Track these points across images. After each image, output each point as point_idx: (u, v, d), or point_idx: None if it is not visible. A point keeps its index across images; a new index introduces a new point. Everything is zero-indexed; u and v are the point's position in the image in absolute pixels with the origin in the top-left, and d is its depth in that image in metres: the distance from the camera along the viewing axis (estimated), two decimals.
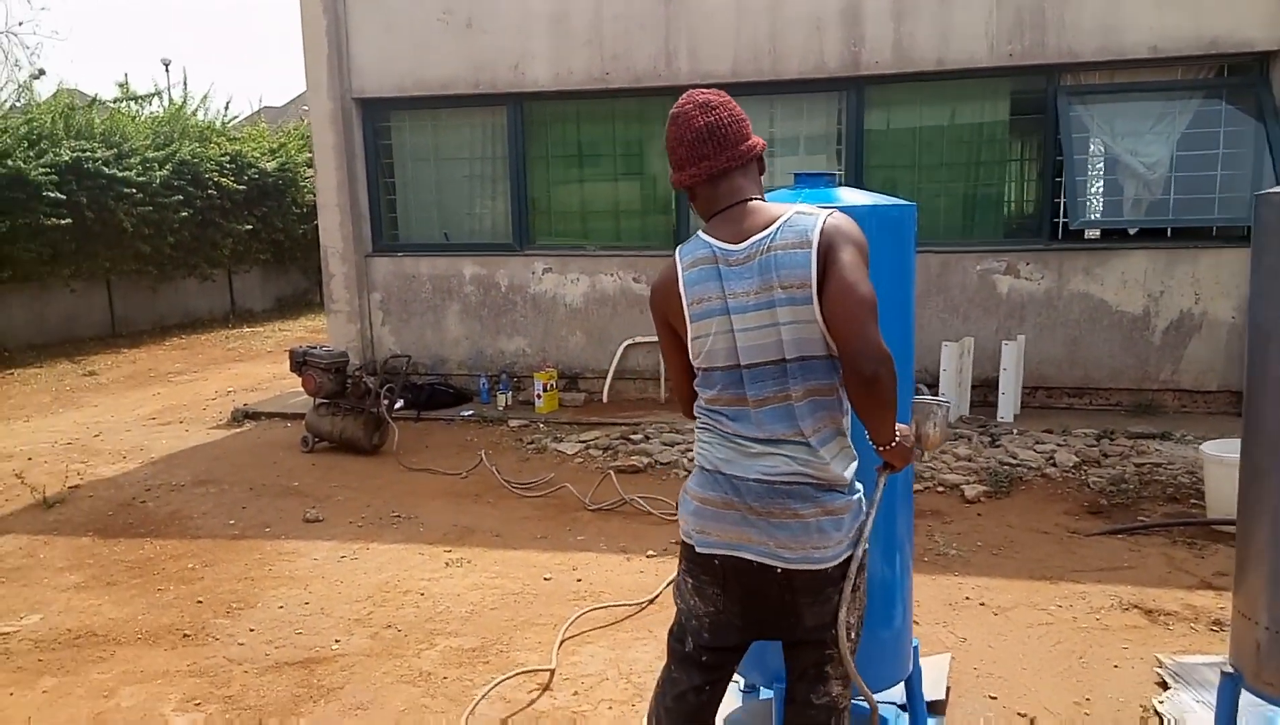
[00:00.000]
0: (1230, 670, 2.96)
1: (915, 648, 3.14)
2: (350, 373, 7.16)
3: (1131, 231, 7.69)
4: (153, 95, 16.16)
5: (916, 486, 5.56)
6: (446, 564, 4.81)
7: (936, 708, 3.29)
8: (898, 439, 2.31)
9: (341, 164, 8.63)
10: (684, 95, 2.39)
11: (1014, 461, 6.17)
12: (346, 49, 8.51)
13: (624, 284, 8.33)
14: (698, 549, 2.34)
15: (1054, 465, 6.14)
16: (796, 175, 2.93)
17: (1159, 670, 3.54)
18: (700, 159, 2.33)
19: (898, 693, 3.19)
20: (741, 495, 2.25)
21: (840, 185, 2.96)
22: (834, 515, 2.23)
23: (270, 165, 16.67)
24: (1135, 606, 4.13)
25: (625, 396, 8.45)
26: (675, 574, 2.51)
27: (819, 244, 2.17)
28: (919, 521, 4.82)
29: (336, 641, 3.97)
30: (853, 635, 2.33)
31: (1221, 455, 5.11)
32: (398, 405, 7.57)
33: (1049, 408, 7.63)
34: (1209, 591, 4.27)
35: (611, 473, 5.91)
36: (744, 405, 2.26)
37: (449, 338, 8.79)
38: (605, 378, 8.40)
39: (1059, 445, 6.50)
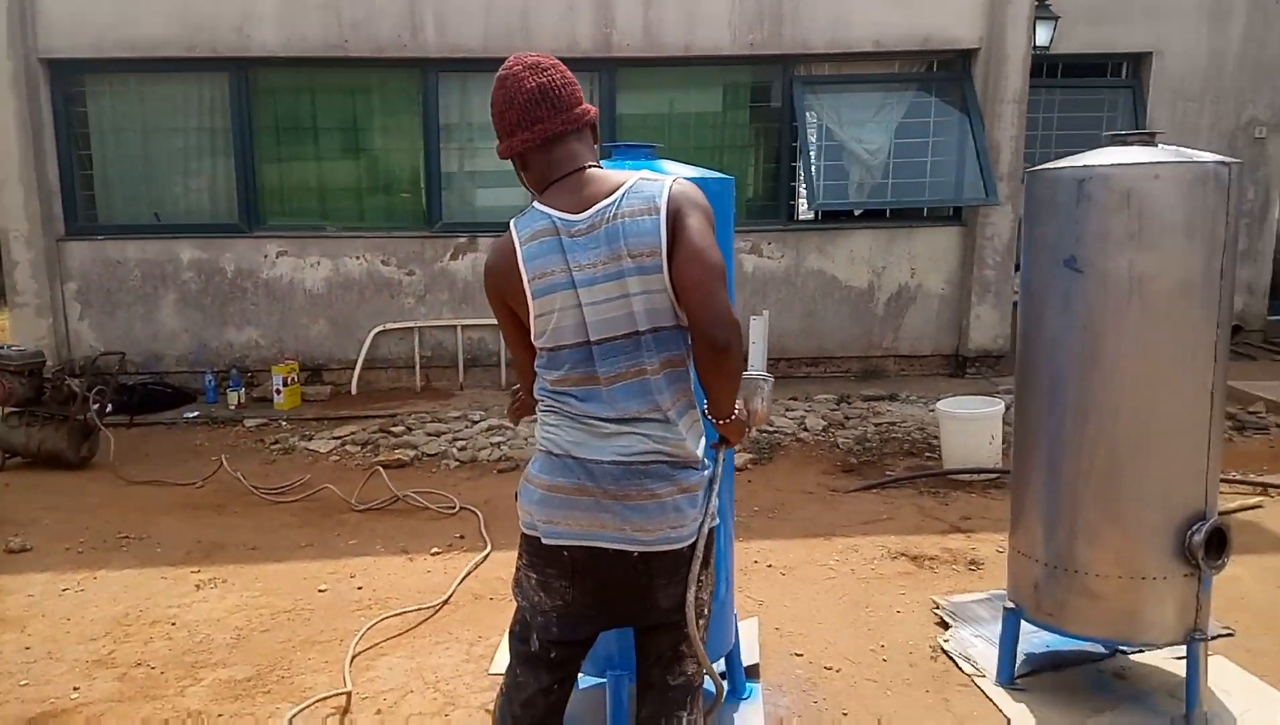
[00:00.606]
0: (1011, 605, 3.24)
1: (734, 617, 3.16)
2: (48, 375, 6.15)
3: (857, 212, 8.32)
4: None
5: None
6: (197, 586, 4.24)
7: (752, 672, 3.33)
8: (736, 413, 2.27)
9: (25, 134, 7.39)
10: (510, 58, 2.20)
11: (771, 428, 6.47)
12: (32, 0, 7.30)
13: (371, 267, 7.82)
14: (544, 540, 2.17)
15: (806, 430, 6.51)
16: (613, 146, 2.82)
17: (936, 611, 3.82)
18: (534, 122, 2.15)
19: (719, 663, 3.20)
20: (596, 479, 2.11)
21: (659, 157, 2.87)
22: (689, 493, 2.15)
23: None
24: (902, 554, 4.44)
25: (377, 387, 7.96)
26: (516, 570, 2.33)
27: (667, 210, 2.07)
28: None
29: (75, 689, 3.36)
30: (705, 613, 2.27)
31: (954, 411, 5.65)
32: (107, 410, 6.63)
33: (790, 377, 8.09)
34: (959, 534, 4.70)
35: (380, 469, 5.50)
36: (595, 384, 2.12)
37: (164, 331, 7.83)
38: (354, 369, 7.86)
39: (806, 411, 6.91)
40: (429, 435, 6.43)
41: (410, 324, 7.86)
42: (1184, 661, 3.18)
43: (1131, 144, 2.99)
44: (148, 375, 7.71)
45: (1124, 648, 3.33)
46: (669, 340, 2.12)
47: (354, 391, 7.85)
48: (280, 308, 7.84)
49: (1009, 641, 3.23)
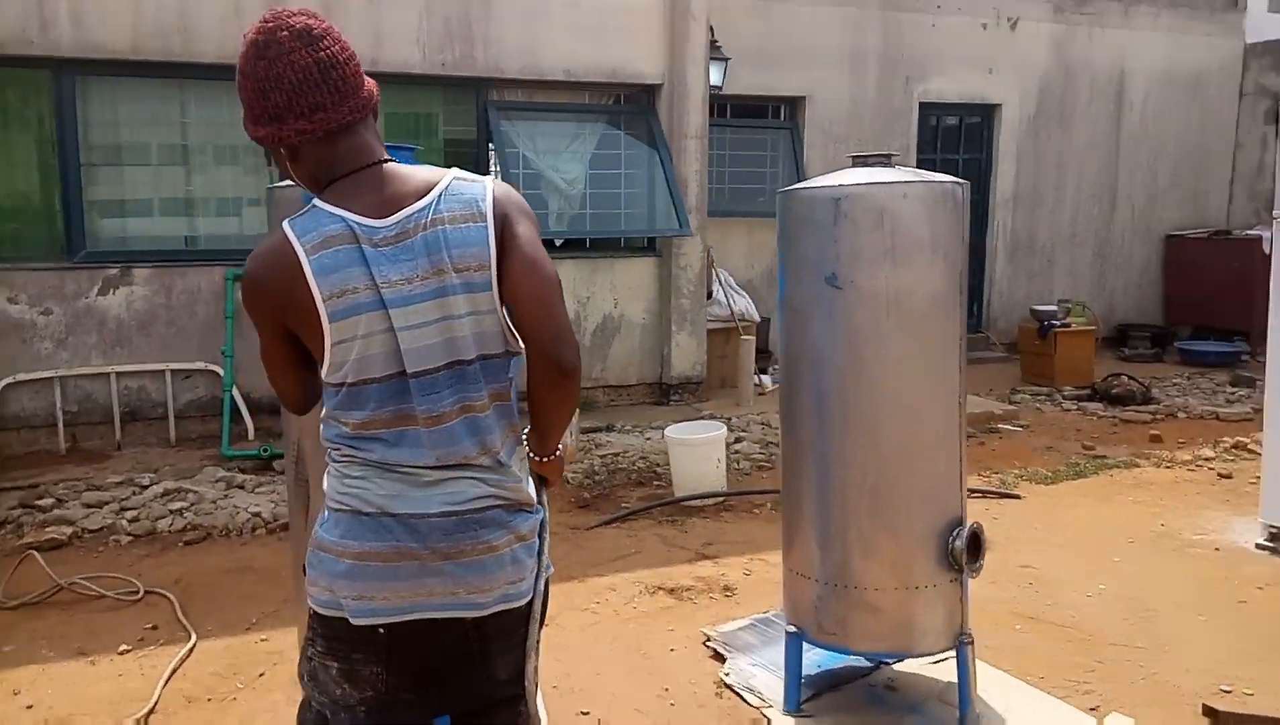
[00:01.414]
0: (793, 629, 3.25)
1: None
2: None
3: (558, 243, 8.29)
4: None
5: None
6: None
7: None
8: (559, 450, 2.02)
9: None
10: (266, 15, 1.78)
11: None
12: None
13: None
14: (353, 621, 1.76)
15: None
16: None
17: (708, 644, 3.76)
18: (313, 110, 1.77)
19: None
20: (421, 537, 1.75)
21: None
22: (525, 541, 1.87)
23: None
24: (659, 588, 4.37)
25: (8, 452, 6.54)
26: (303, 658, 1.88)
27: (494, 216, 1.78)
28: None
29: None
30: (538, 682, 1.98)
31: (682, 438, 5.73)
32: None
33: None
34: (706, 561, 4.72)
35: (33, 552, 4.44)
36: (411, 424, 1.76)
37: None
38: None
39: None
40: (87, 507, 5.36)
41: (48, 373, 6.57)
42: (939, 666, 3.38)
43: (872, 165, 3.13)
44: None
45: (888, 659, 3.47)
46: (497, 370, 1.83)
47: None
48: None
49: (794, 668, 3.24)
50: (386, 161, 1.83)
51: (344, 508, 1.80)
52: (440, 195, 1.78)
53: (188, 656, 3.71)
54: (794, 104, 9.84)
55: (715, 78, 8.65)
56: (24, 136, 6.58)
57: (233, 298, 6.81)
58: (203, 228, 7.07)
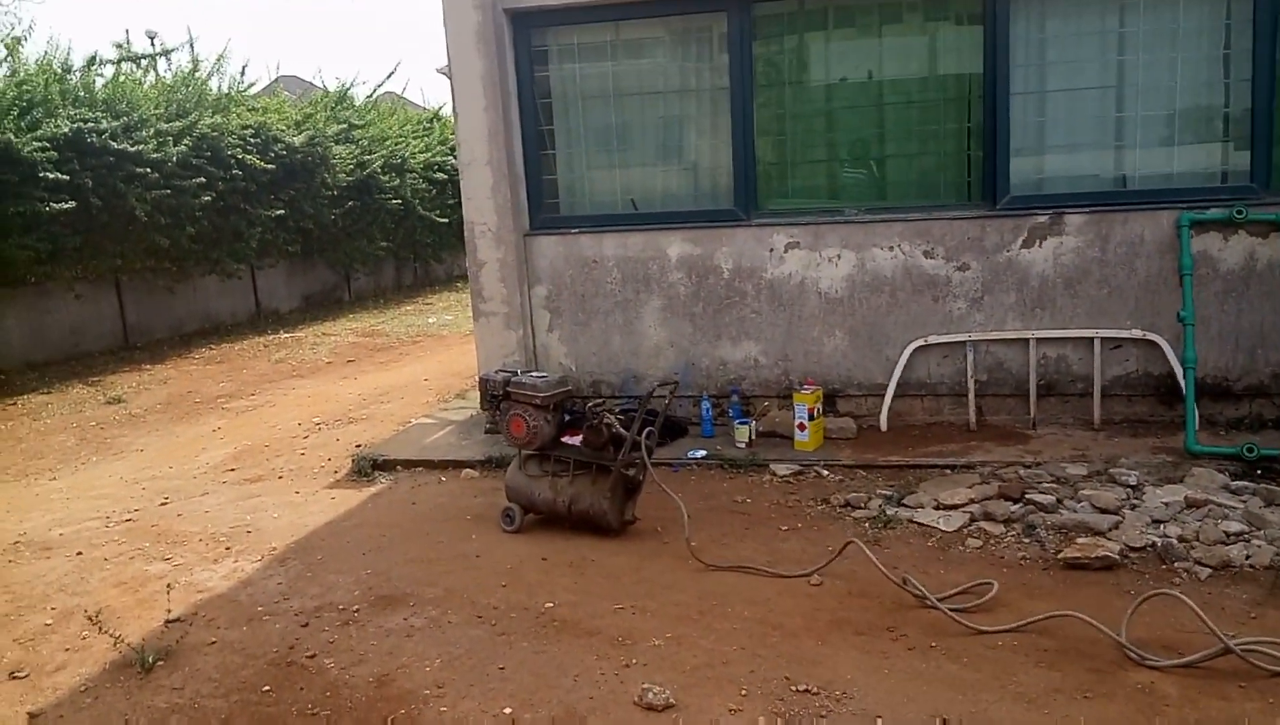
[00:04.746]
0: None
1: None
2: (579, 409, 4.68)
3: None
4: (160, 54, 13.31)
5: None
6: None
7: None
8: None
9: (495, 102, 6.10)
10: None
11: None
12: None
13: (909, 261, 5.89)
14: None
15: None
16: None
17: None
18: None
19: None
20: None
21: None
22: None
23: (298, 139, 13.95)
24: None
25: (911, 421, 6.02)
26: None
27: None
28: None
29: None
30: None
31: None
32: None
33: None
34: None
35: (1176, 593, 3.40)
36: None
37: (647, 345, 6.31)
38: (882, 397, 5.97)
39: None
40: (1100, 511, 4.33)
41: (960, 337, 5.85)
42: None
43: None
44: (624, 400, 6.22)
45: None
46: None
47: (883, 426, 5.95)
48: (787, 316, 6.09)
49: None
50: None
51: None
52: None
53: None
54: None
55: None
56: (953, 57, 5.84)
57: (1189, 249, 5.38)
58: (1141, 163, 5.72)
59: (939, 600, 3.55)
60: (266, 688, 3.30)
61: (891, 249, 5.89)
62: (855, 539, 4.01)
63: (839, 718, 2.89)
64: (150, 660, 3.48)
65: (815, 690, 3.04)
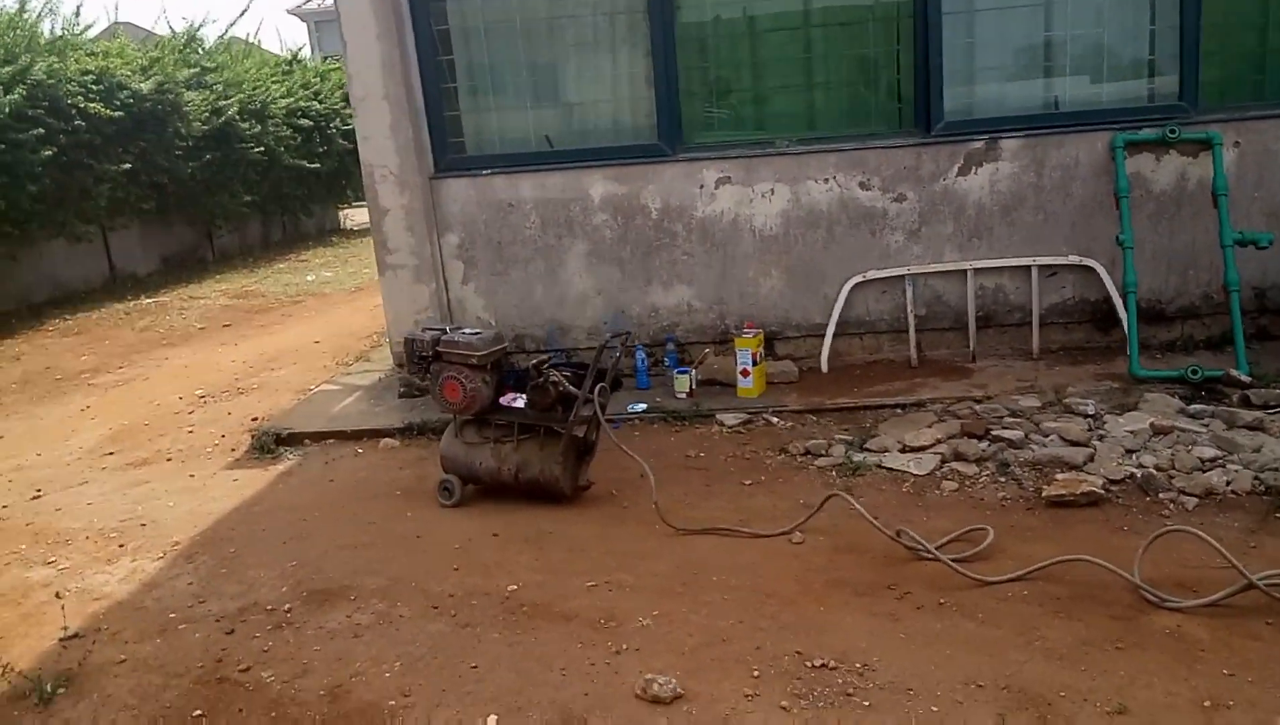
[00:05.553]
0: None
1: None
2: (524, 367, 4.24)
3: None
4: None
5: None
6: None
7: None
8: None
9: (390, 29, 5.46)
10: None
11: None
12: None
13: (845, 194, 5.63)
14: None
15: None
16: None
17: None
18: None
19: None
20: None
21: None
22: None
23: (145, 85, 12.63)
24: None
25: (851, 361, 5.83)
26: None
27: None
28: None
29: None
30: None
31: None
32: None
33: None
34: None
35: (1183, 526, 3.26)
36: None
37: (572, 294, 5.88)
38: (821, 337, 5.74)
39: None
40: (1070, 443, 4.21)
41: (899, 271, 5.66)
42: None
43: None
44: (552, 353, 5.78)
45: None
46: None
47: (824, 368, 5.73)
48: (721, 257, 5.76)
49: None
50: None
51: None
52: None
53: None
54: None
55: None
56: None
57: (1125, 171, 5.30)
58: (1073, 85, 5.60)
59: (943, 553, 3.33)
60: (198, 712, 2.80)
61: (827, 181, 5.62)
62: (840, 492, 3.75)
63: (867, 694, 2.62)
64: (49, 689, 2.92)
65: (832, 665, 2.76)
